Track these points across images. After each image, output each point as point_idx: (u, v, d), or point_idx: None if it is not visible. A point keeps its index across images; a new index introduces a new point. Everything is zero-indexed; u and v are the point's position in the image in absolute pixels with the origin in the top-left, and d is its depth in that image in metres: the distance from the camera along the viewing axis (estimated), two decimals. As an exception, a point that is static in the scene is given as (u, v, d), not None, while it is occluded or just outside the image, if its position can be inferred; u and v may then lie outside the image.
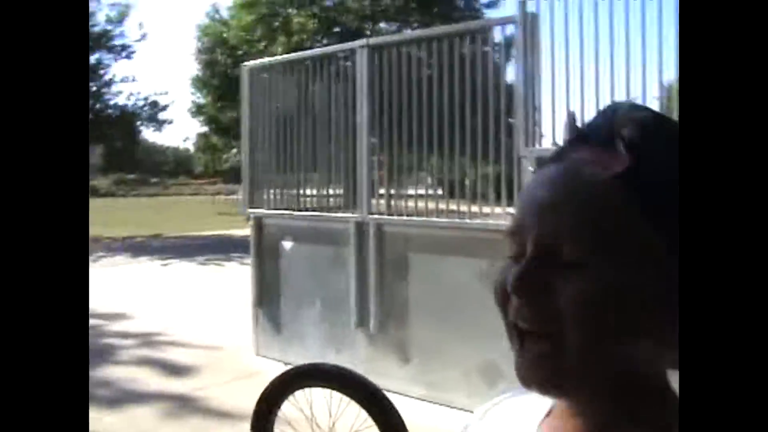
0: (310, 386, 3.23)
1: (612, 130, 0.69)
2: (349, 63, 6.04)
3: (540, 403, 0.81)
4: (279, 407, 3.31)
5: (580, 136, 0.72)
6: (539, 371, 0.67)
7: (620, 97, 4.50)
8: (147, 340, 7.48)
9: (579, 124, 0.75)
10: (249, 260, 6.96)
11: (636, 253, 0.65)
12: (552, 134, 4.80)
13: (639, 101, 4.47)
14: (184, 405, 5.39)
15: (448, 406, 5.11)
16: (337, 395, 3.14)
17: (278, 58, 7.74)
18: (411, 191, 5.94)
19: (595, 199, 0.66)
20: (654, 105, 4.95)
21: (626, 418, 0.69)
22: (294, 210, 6.58)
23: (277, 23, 21.22)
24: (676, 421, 0.63)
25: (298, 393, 3.23)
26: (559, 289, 0.65)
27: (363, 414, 3.05)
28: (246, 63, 7.09)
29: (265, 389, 3.29)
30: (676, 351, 0.63)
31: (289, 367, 6.03)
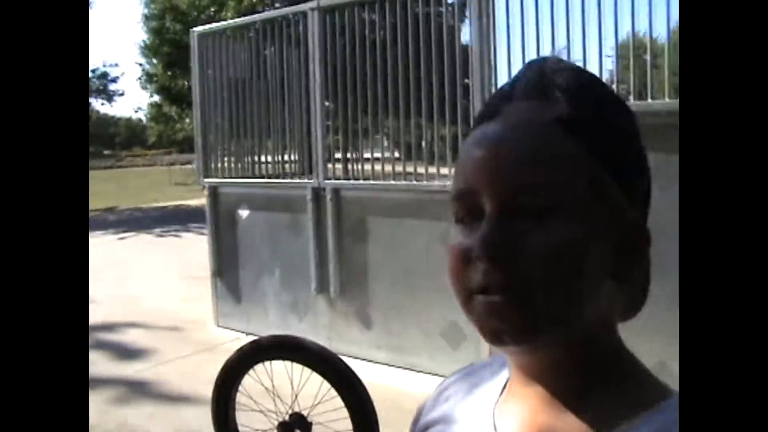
0: (270, 359, 3.17)
1: (543, 80, 0.69)
2: (301, 26, 5.91)
3: (493, 386, 0.78)
4: (239, 382, 3.25)
5: (508, 91, 0.70)
6: (510, 325, 0.63)
7: (576, 54, 4.48)
8: (105, 315, 7.32)
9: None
10: (207, 230, 6.85)
11: (593, 200, 0.65)
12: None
13: (595, 57, 4.45)
14: (143, 383, 5.30)
15: (411, 369, 5.11)
16: (298, 366, 3.09)
17: (228, 22, 7.53)
18: (367, 155, 5.86)
19: (544, 148, 0.65)
20: (610, 62, 4.94)
21: (581, 386, 0.67)
22: (249, 178, 6.48)
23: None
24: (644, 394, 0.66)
25: (258, 366, 3.17)
26: (523, 245, 0.63)
27: (326, 384, 3.01)
28: (195, 29, 6.90)
29: (224, 365, 3.23)
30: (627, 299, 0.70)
31: (250, 337, 5.98)
